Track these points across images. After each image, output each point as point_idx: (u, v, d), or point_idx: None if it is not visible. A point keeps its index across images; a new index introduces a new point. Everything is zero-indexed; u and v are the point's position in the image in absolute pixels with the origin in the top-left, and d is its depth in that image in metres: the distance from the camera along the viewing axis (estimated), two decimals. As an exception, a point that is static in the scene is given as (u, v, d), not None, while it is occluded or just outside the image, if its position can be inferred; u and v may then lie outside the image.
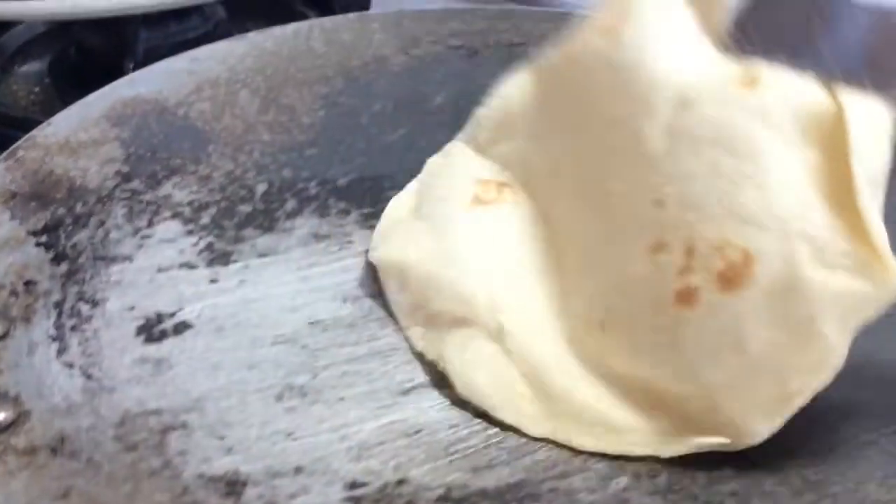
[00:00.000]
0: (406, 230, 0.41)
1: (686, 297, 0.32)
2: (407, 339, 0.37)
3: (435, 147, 0.47)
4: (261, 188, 0.44)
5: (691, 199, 0.32)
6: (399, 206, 0.43)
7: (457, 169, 0.43)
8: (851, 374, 0.30)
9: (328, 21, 0.54)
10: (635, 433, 0.32)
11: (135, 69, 0.53)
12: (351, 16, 0.55)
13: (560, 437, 0.33)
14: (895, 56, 0.32)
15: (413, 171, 0.45)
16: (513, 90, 0.42)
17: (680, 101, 0.33)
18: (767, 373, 0.30)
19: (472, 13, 0.56)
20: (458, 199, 0.41)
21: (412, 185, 0.44)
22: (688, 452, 0.31)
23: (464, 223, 0.40)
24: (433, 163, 0.45)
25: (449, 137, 0.47)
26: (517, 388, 0.35)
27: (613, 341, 0.34)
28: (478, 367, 0.35)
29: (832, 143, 0.30)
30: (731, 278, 0.31)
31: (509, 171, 0.41)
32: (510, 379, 0.35)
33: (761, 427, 0.30)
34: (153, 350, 0.36)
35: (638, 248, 0.34)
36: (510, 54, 0.53)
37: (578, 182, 0.38)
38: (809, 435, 0.30)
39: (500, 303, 0.36)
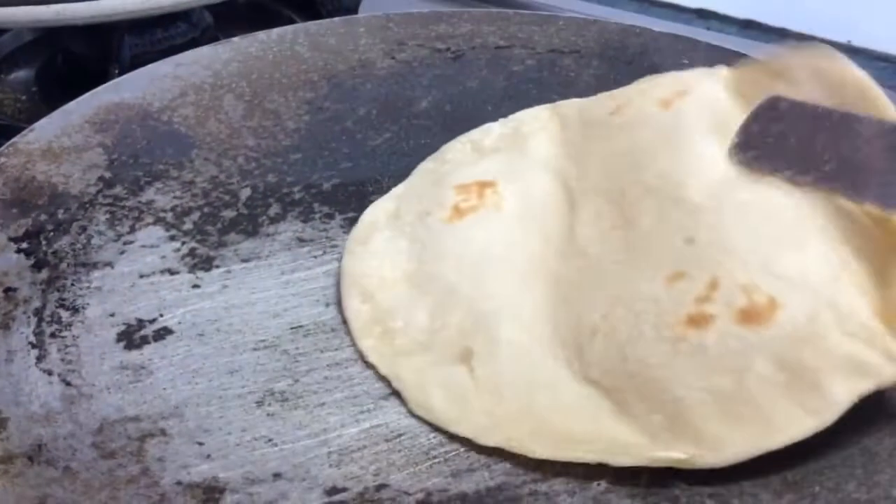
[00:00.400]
0: (384, 243, 0.41)
1: (699, 321, 0.32)
2: (358, 350, 0.37)
3: (420, 151, 0.47)
4: (245, 193, 0.44)
5: (725, 244, 0.34)
6: (378, 211, 0.42)
7: (443, 175, 0.43)
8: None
9: (313, 25, 0.54)
10: (589, 444, 0.32)
11: (120, 75, 0.53)
12: (336, 20, 0.55)
13: (514, 447, 0.32)
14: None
15: (398, 175, 0.45)
16: (545, 114, 0.45)
17: (725, 175, 0.36)
18: (755, 406, 0.30)
19: (457, 16, 0.55)
20: (438, 213, 0.41)
21: (397, 190, 0.44)
22: (640, 465, 0.31)
23: (442, 240, 0.40)
24: (422, 168, 0.45)
25: (434, 141, 0.47)
26: (474, 404, 0.34)
27: (600, 348, 0.34)
28: (434, 386, 0.35)
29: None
30: (752, 316, 0.32)
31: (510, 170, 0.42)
32: (467, 394, 0.34)
33: (728, 453, 0.30)
34: (133, 356, 0.36)
35: (656, 273, 0.35)
36: (496, 57, 0.54)
37: (606, 206, 0.39)
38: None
39: (470, 326, 0.36)
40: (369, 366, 0.36)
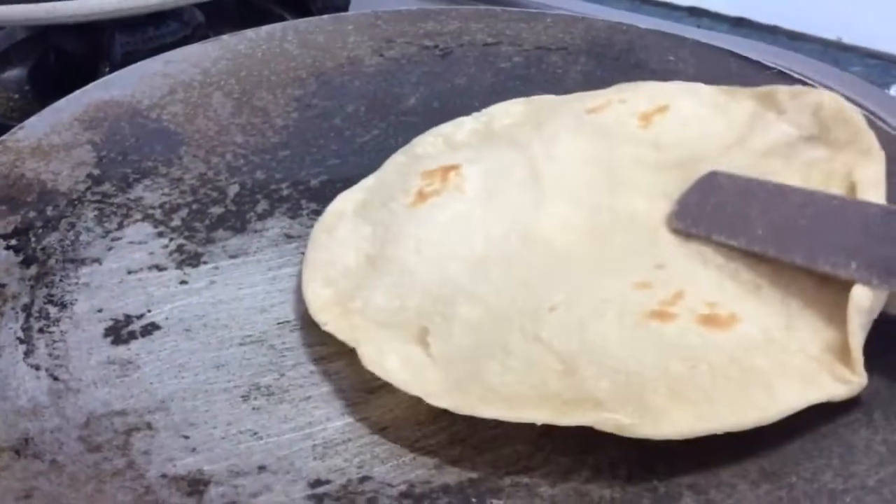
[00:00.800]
0: (349, 232, 0.41)
1: (662, 315, 0.33)
2: (314, 318, 0.37)
3: (407, 147, 0.47)
4: (233, 190, 0.45)
5: (692, 272, 0.35)
6: (345, 201, 0.42)
7: (410, 165, 0.44)
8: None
9: (302, 23, 0.55)
10: (535, 406, 0.32)
11: (111, 73, 0.53)
12: (325, 17, 0.56)
13: (460, 408, 0.33)
14: (824, 231, 0.35)
15: (385, 171, 0.46)
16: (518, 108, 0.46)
17: None
18: (702, 391, 0.31)
19: (446, 13, 0.56)
20: (402, 199, 0.41)
21: (366, 181, 0.44)
22: (583, 424, 0.31)
23: (403, 224, 0.40)
24: (392, 160, 0.45)
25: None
26: (427, 375, 0.34)
27: (557, 318, 0.34)
28: (391, 353, 0.35)
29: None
30: (713, 321, 0.33)
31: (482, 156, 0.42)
32: (421, 367, 0.35)
33: (667, 427, 0.31)
34: (120, 351, 0.36)
35: (623, 279, 0.35)
36: (484, 54, 0.54)
37: (577, 210, 0.39)
38: (766, 426, 0.30)
39: (427, 308, 0.36)
40: (356, 359, 0.36)
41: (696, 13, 0.80)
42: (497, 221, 0.39)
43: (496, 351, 0.34)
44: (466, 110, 0.49)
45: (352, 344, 0.36)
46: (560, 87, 0.50)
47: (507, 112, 0.46)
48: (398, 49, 0.54)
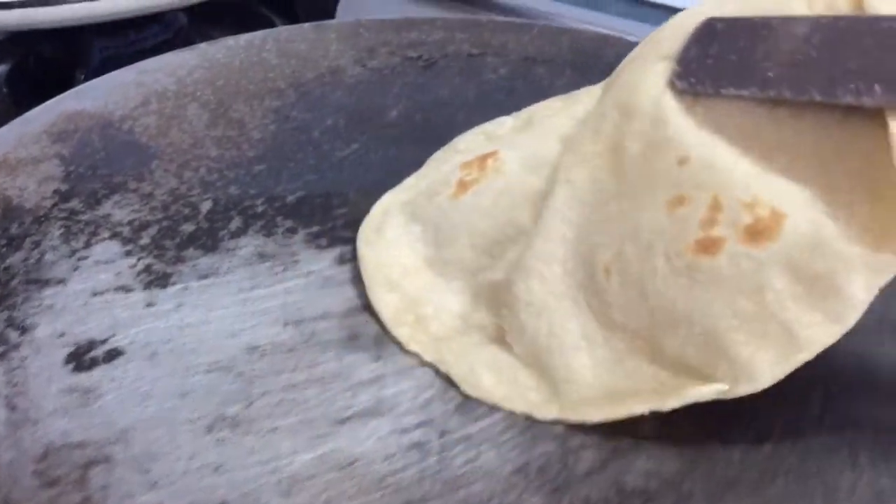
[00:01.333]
0: (398, 229, 0.41)
1: (707, 246, 0.32)
2: (394, 338, 0.37)
3: (388, 162, 0.46)
4: (205, 206, 0.43)
5: (718, 162, 0.33)
6: (389, 200, 0.43)
7: (450, 160, 0.44)
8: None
9: (284, 31, 0.53)
10: (636, 396, 0.32)
11: (87, 79, 0.52)
12: (307, 25, 0.54)
13: (569, 417, 0.33)
14: (839, 58, 0.31)
15: (364, 187, 0.44)
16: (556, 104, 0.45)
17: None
18: (778, 322, 0.30)
19: (430, 23, 0.55)
20: (444, 192, 0.41)
21: (408, 181, 0.44)
22: (687, 403, 0.31)
23: (451, 216, 0.40)
24: (433, 157, 0.45)
25: (403, 152, 0.47)
26: (522, 381, 0.35)
27: (617, 287, 0.34)
28: (482, 367, 0.35)
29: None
30: (759, 231, 0.31)
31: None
32: (514, 373, 0.35)
33: (764, 375, 0.30)
34: (82, 379, 0.35)
35: (655, 202, 0.34)
36: (468, 65, 0.53)
37: (594, 145, 0.37)
38: (750, 466, 0.29)
39: (495, 302, 0.37)
40: (327, 388, 0.35)
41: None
42: (536, 195, 0.38)
43: (578, 345, 0.34)
44: (450, 123, 0.48)
45: (442, 368, 0.36)
46: (545, 99, 0.49)
47: (548, 107, 0.45)
48: (381, 59, 0.52)
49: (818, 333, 0.30)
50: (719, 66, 0.34)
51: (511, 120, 0.46)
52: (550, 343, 0.35)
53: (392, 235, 0.41)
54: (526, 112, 0.46)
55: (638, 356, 0.33)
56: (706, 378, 0.31)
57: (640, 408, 0.32)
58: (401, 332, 0.37)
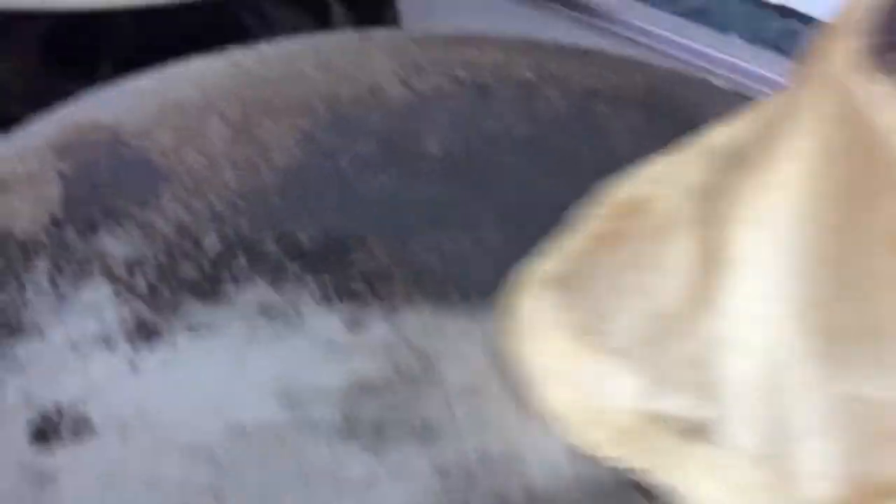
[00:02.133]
0: (549, 305, 0.34)
1: None
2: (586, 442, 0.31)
3: (417, 206, 0.41)
4: (210, 243, 0.39)
5: None
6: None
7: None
8: None
9: (324, 40, 0.49)
10: None
11: (107, 77, 0.48)
12: (352, 35, 0.50)
13: None
14: None
15: (386, 233, 0.40)
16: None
17: None
18: None
19: (489, 41, 0.49)
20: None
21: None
22: None
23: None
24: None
25: (440, 192, 0.42)
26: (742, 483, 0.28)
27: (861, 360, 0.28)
28: (697, 473, 0.29)
29: None
30: None
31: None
32: (725, 471, 0.29)
33: None
34: (41, 460, 0.31)
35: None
36: (523, 95, 0.47)
37: None
38: None
39: (686, 379, 0.30)
40: (310, 486, 0.31)
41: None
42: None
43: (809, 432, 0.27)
44: (495, 166, 0.43)
45: (661, 476, 0.29)
46: (603, 141, 0.44)
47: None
48: (427, 79, 0.47)
49: None
50: None
51: None
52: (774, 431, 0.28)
53: (544, 315, 0.34)
54: None
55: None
56: None
57: None
58: (597, 436, 0.30)
